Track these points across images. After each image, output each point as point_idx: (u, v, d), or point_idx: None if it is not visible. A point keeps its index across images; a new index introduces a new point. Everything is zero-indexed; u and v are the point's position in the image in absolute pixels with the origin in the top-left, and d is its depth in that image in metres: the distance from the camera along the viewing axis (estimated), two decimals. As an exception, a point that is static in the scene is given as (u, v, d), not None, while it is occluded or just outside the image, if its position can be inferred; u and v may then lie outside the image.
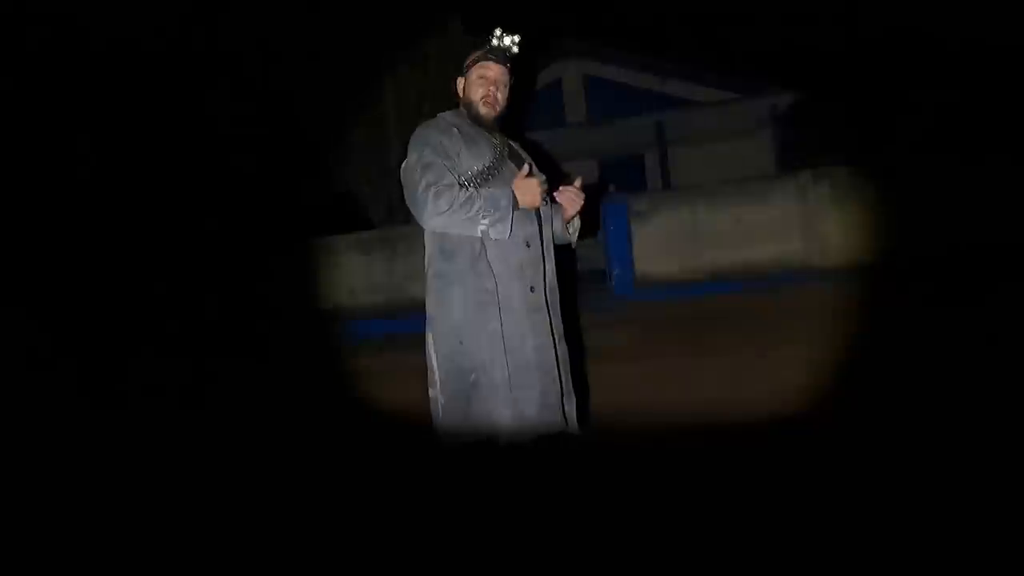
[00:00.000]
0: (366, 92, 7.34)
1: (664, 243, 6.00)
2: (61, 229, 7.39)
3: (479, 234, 1.75)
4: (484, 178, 1.82)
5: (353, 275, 6.73)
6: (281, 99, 7.21)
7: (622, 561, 1.76)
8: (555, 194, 1.95)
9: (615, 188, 9.27)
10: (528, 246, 1.83)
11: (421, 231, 1.91)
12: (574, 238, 2.05)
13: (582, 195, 1.95)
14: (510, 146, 1.97)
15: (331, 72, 6.89)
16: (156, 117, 7.68)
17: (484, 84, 1.90)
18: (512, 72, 1.94)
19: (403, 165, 1.87)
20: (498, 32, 1.90)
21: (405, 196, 1.86)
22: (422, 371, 1.89)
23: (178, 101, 7.63)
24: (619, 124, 9.58)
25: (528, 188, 1.79)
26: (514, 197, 1.77)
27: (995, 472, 2.00)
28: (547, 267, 1.90)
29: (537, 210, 1.88)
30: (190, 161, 8.02)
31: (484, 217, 1.73)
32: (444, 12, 7.36)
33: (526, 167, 1.88)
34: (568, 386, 1.92)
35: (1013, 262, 4.27)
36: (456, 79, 1.97)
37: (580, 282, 5.97)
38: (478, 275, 1.78)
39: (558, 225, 2.01)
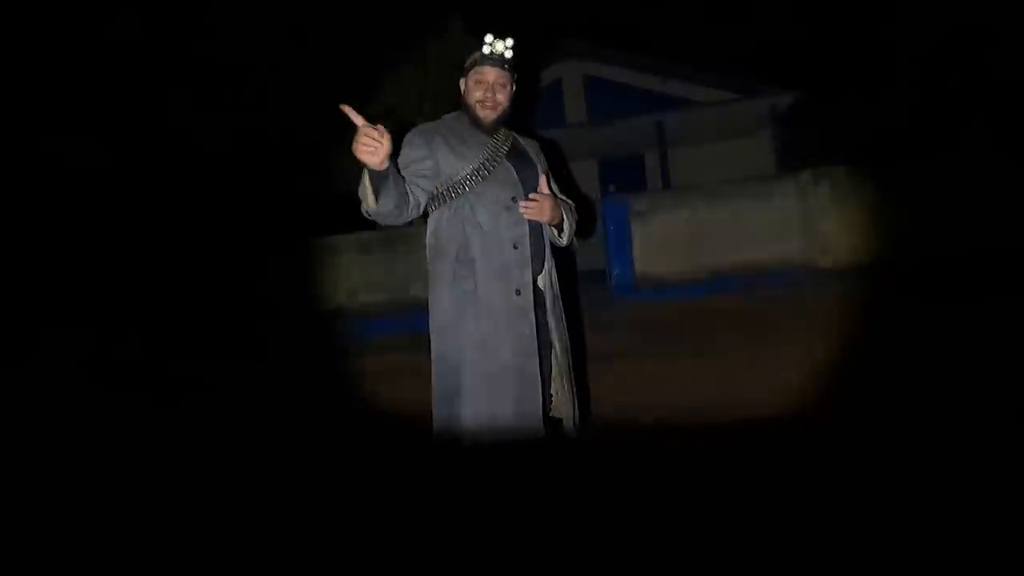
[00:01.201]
0: (366, 92, 7.35)
1: (664, 243, 6.00)
2: (63, 228, 7.39)
3: (364, 212, 1.70)
4: (472, 181, 1.82)
5: (353, 275, 6.74)
6: (282, 99, 7.22)
7: (620, 562, 1.76)
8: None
9: (615, 188, 9.28)
10: (515, 248, 1.81)
11: (422, 232, 1.92)
12: (563, 240, 2.00)
13: (542, 201, 1.83)
14: (515, 146, 1.97)
15: (332, 72, 6.90)
16: (157, 117, 7.68)
17: (480, 88, 1.90)
18: (513, 72, 1.94)
19: None
20: (489, 39, 1.90)
21: None
22: (422, 371, 1.89)
23: (179, 101, 7.63)
24: (619, 124, 9.57)
25: (355, 142, 1.56)
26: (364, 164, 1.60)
27: (995, 472, 2.00)
28: (542, 270, 1.89)
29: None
30: (191, 161, 8.02)
31: (373, 201, 1.64)
32: (444, 12, 7.37)
33: (535, 197, 1.84)
34: (572, 392, 1.91)
35: (1013, 262, 4.27)
36: (460, 81, 1.98)
37: (580, 282, 5.97)
38: (458, 276, 1.79)
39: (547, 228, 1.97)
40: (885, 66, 9.89)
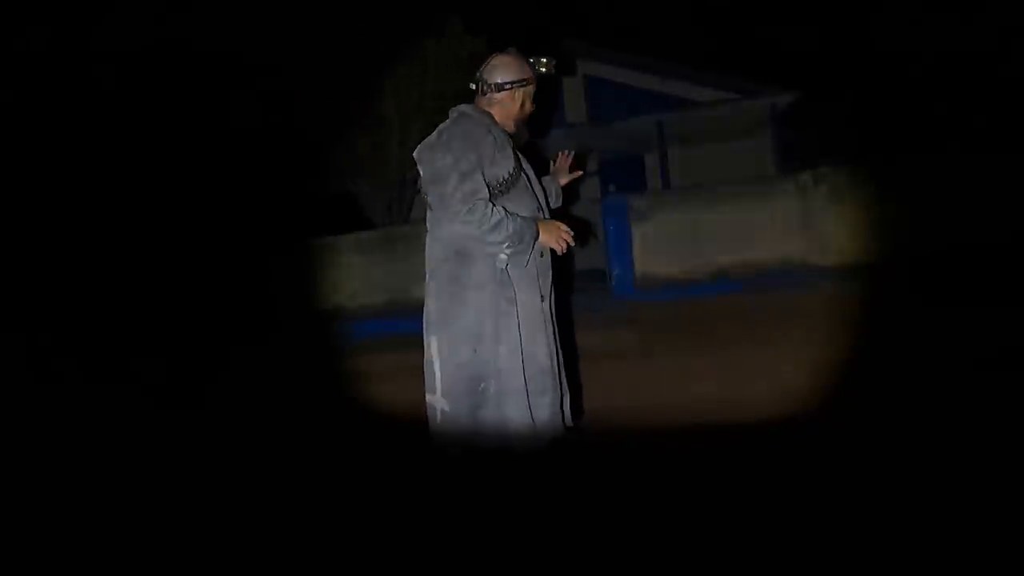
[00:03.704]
0: (366, 92, 7.34)
1: (664, 243, 5.99)
2: (62, 228, 7.39)
3: (498, 259, 1.78)
4: (506, 187, 1.83)
5: (353, 275, 6.72)
6: (282, 99, 7.21)
7: (621, 561, 1.75)
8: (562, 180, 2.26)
9: (615, 188, 9.28)
10: (541, 255, 1.88)
11: (423, 231, 1.90)
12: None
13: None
14: (519, 157, 2.01)
15: (332, 72, 6.89)
16: (157, 117, 7.68)
17: (530, 103, 1.98)
18: None
19: (430, 149, 1.83)
20: (555, 61, 2.00)
21: (430, 184, 1.82)
22: (422, 371, 1.89)
23: (179, 101, 7.63)
24: (619, 124, 9.57)
25: (553, 231, 1.84)
26: (538, 233, 1.82)
27: (995, 472, 2.00)
28: (552, 274, 1.95)
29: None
30: (191, 161, 8.02)
31: (508, 247, 1.77)
32: (444, 12, 7.35)
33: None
34: (564, 385, 1.96)
35: (1013, 261, 4.26)
36: (510, 89, 1.93)
37: (579, 282, 5.97)
38: (500, 283, 1.78)
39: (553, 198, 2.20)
40: (885, 65, 9.88)
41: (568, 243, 1.86)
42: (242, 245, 7.14)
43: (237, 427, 3.48)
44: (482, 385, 1.76)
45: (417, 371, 1.94)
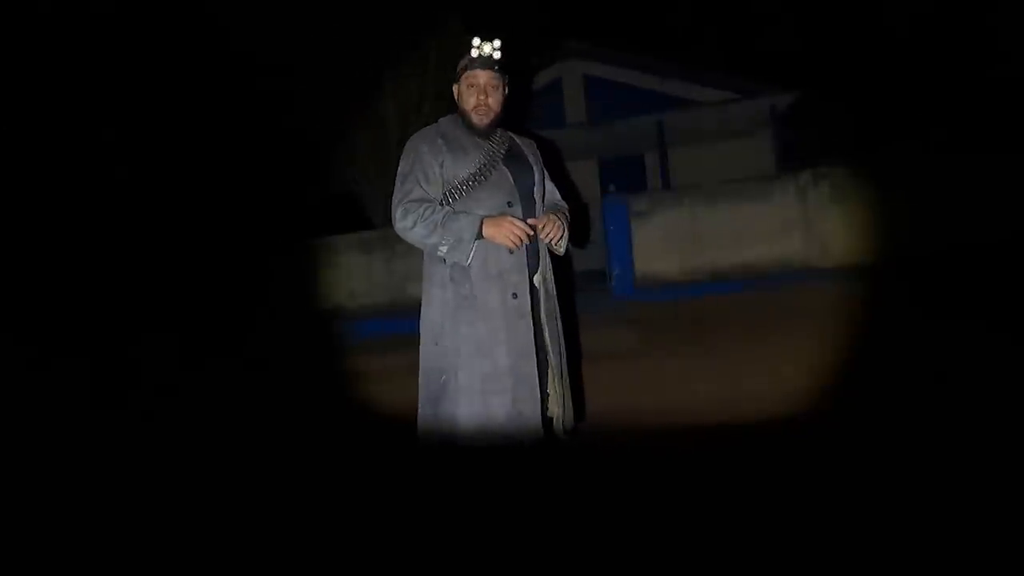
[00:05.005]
0: (366, 92, 7.33)
1: (664, 243, 6.00)
2: (62, 228, 7.39)
3: (439, 255, 1.81)
4: (470, 185, 1.84)
5: (353, 275, 6.73)
6: (282, 99, 7.21)
7: (621, 563, 1.75)
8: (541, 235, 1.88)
9: (615, 188, 9.28)
10: (511, 252, 1.82)
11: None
12: (560, 250, 2.01)
13: (559, 225, 1.90)
14: (511, 148, 1.97)
15: (332, 72, 6.89)
16: (157, 117, 7.68)
17: (474, 93, 1.91)
18: (505, 73, 1.94)
19: None
20: (476, 42, 1.90)
21: None
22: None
23: (179, 101, 7.63)
24: (619, 124, 9.57)
25: (500, 228, 1.78)
26: (481, 229, 1.78)
27: (995, 472, 2.00)
28: (538, 273, 1.89)
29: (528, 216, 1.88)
30: (191, 161, 8.02)
31: (443, 244, 1.78)
32: (444, 12, 7.35)
33: (541, 221, 1.86)
34: (564, 392, 1.91)
35: (1013, 260, 4.26)
36: (453, 85, 1.99)
37: (580, 282, 5.97)
38: (455, 279, 1.81)
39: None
40: (885, 65, 9.88)
41: (520, 238, 1.79)
42: (243, 245, 7.14)
43: (237, 427, 3.48)
44: (443, 378, 1.79)
45: (416, 371, 1.95)
